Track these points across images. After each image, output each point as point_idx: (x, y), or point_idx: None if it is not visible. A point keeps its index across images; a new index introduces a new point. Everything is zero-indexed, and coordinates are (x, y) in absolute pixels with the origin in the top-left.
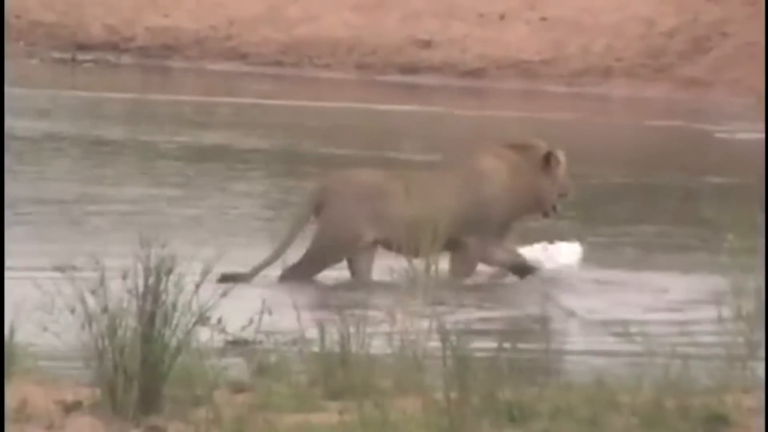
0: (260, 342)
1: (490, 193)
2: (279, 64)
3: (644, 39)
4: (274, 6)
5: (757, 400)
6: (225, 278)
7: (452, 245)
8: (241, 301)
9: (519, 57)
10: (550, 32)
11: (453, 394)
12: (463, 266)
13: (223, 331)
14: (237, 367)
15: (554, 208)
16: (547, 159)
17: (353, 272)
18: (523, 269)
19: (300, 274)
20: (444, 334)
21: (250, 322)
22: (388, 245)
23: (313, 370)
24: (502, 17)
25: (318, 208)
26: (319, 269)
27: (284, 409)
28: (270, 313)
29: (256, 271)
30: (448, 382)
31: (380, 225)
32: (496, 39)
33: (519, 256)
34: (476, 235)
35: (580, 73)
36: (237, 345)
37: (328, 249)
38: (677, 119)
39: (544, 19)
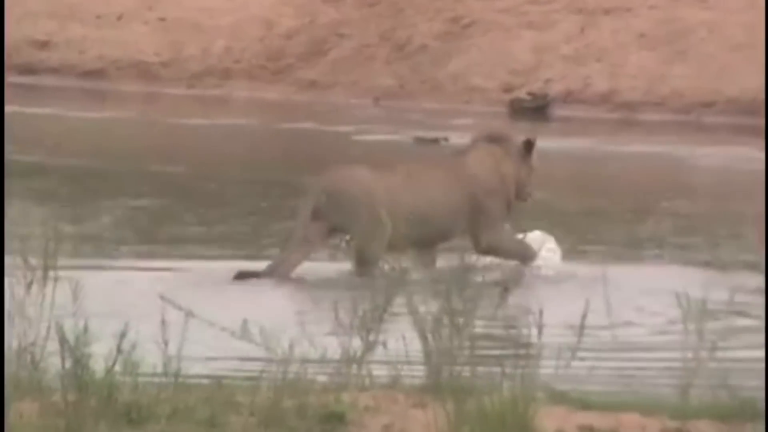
0: None
1: (482, 187)
2: None
3: (263, 41)
4: None
5: (372, 398)
6: (240, 275)
7: (452, 240)
8: None
9: (138, 58)
10: (169, 33)
11: (70, 396)
12: (478, 251)
13: None
14: None
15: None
16: (528, 146)
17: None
18: (528, 256)
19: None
20: (61, 336)
21: None
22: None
23: None
24: (119, 18)
25: (321, 208)
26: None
27: None
28: None
29: (269, 271)
30: (65, 383)
31: (390, 219)
32: (114, 40)
33: (522, 242)
34: (481, 230)
35: (199, 75)
36: None
37: (371, 251)
38: (308, 121)
39: (162, 19)
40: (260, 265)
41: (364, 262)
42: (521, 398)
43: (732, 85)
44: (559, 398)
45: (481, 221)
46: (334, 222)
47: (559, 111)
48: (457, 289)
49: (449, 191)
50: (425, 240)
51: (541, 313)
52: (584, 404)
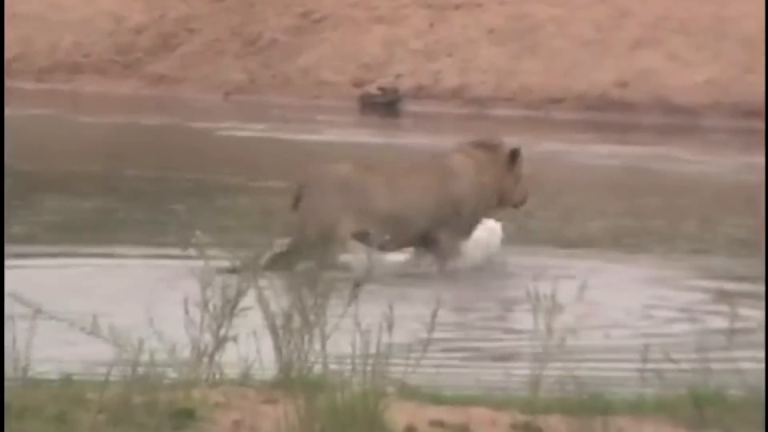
0: None
1: (460, 191)
2: None
3: (112, 35)
4: None
5: (222, 394)
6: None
7: (423, 241)
8: None
9: None
10: (18, 28)
11: None
12: (437, 261)
13: None
14: None
15: (520, 203)
16: (513, 156)
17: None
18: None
19: (282, 265)
20: None
21: None
22: (363, 238)
23: None
24: None
25: (298, 200)
26: (299, 260)
27: None
28: None
29: (243, 266)
30: None
31: (358, 217)
32: None
33: (458, 251)
34: (447, 231)
35: (48, 70)
36: None
37: (306, 241)
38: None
39: (13, 15)
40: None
41: (288, 253)
42: (372, 393)
43: (581, 80)
44: (409, 393)
45: (451, 223)
46: (300, 214)
47: (409, 106)
48: (309, 284)
49: (429, 193)
50: (401, 239)
51: (391, 309)
52: (435, 399)
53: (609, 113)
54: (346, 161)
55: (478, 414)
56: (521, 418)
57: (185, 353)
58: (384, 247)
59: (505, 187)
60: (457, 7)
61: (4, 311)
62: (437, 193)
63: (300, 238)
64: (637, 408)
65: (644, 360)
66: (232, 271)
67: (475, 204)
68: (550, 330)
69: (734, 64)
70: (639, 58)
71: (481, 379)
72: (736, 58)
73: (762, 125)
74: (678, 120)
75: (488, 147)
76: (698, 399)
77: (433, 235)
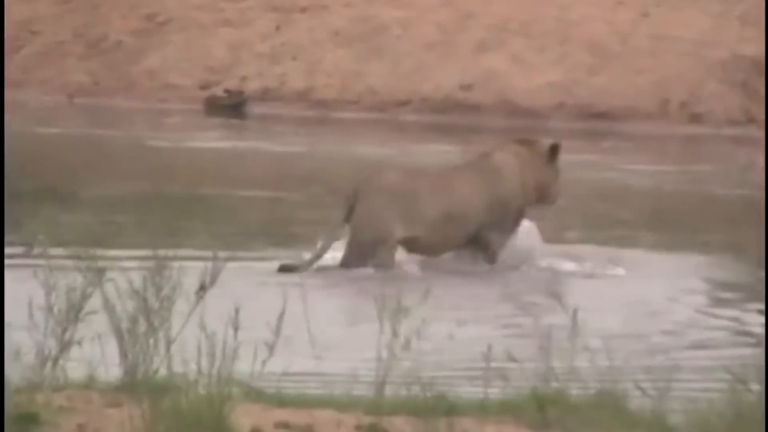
0: None
1: (507, 189)
2: None
3: None
4: None
5: (66, 398)
6: (283, 268)
7: (473, 241)
8: None
9: None
10: None
11: None
12: (487, 260)
13: None
14: None
15: (556, 199)
16: (554, 151)
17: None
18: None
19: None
20: None
21: None
22: (412, 244)
23: None
24: None
25: (352, 207)
26: (358, 266)
27: None
28: None
29: (308, 264)
30: None
31: (408, 223)
32: None
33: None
34: (497, 230)
35: None
36: None
37: (362, 248)
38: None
39: None
40: None
41: (345, 260)
42: (217, 396)
43: (426, 83)
44: (255, 396)
45: (497, 221)
46: (354, 219)
47: (255, 109)
48: (153, 288)
49: (477, 193)
50: (457, 239)
51: (237, 312)
52: (280, 401)
53: (454, 115)
54: (395, 168)
55: (324, 416)
56: (366, 419)
57: (29, 357)
58: (431, 252)
59: (545, 183)
60: (302, 10)
61: None
62: (485, 193)
63: (354, 246)
64: (481, 409)
65: (487, 360)
66: (291, 269)
67: (521, 200)
68: (395, 332)
69: (578, 67)
70: (483, 60)
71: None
72: (580, 61)
73: (606, 126)
74: (522, 122)
75: (528, 143)
76: (541, 399)
77: (482, 234)
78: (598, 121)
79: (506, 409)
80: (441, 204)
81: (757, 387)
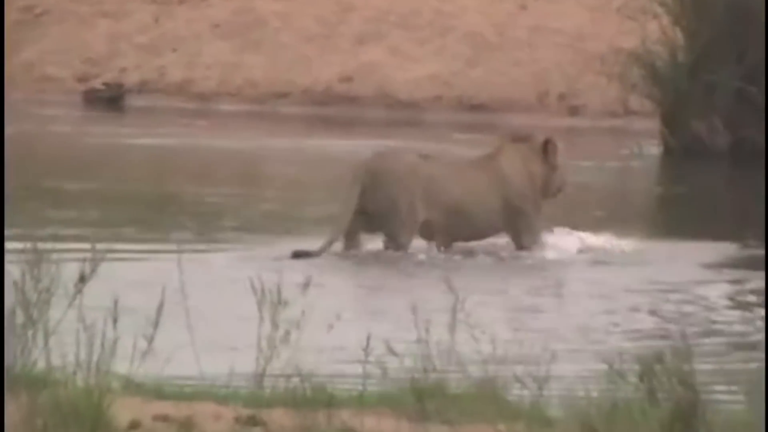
0: None
1: (517, 193)
2: None
3: None
4: None
5: None
6: (297, 254)
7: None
8: None
9: None
10: None
11: None
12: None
13: None
14: None
15: (559, 191)
16: (545, 146)
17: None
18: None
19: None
20: None
21: None
22: (426, 229)
23: None
24: None
25: (367, 188)
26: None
27: None
28: None
29: (323, 249)
30: None
31: (428, 206)
32: None
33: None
34: (522, 230)
35: None
36: None
37: (393, 231)
38: None
39: None
40: None
41: (395, 246)
42: (96, 389)
43: (305, 75)
44: (134, 389)
45: (520, 223)
46: (374, 201)
47: (134, 101)
48: (32, 281)
49: (485, 191)
50: (461, 233)
51: (116, 303)
52: (159, 394)
53: (334, 107)
54: (408, 151)
55: (203, 408)
56: (245, 411)
57: None
58: (445, 242)
59: (545, 177)
60: (181, 2)
61: None
62: (496, 197)
63: (384, 227)
64: (360, 401)
65: (366, 352)
66: (307, 255)
67: (533, 197)
68: (275, 324)
69: (457, 59)
70: (363, 52)
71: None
72: (459, 53)
73: (485, 118)
74: (402, 114)
75: (525, 139)
76: (419, 392)
77: (513, 239)
78: (477, 113)
79: (385, 401)
80: (455, 192)
81: (634, 378)
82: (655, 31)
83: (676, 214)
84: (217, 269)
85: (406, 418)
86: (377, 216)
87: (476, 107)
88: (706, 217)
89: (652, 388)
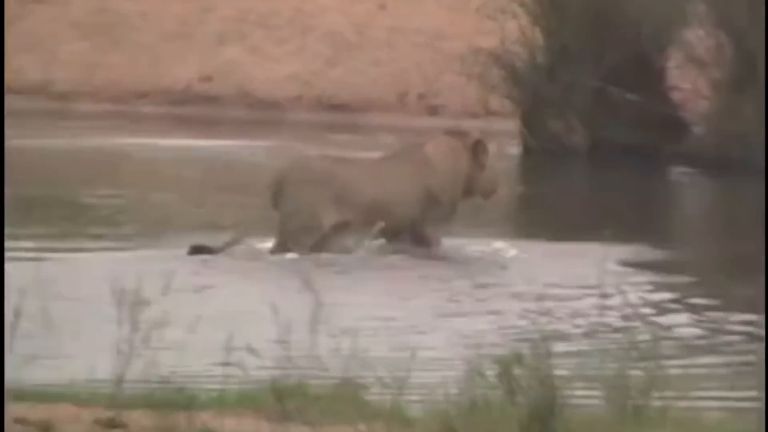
0: None
1: (439, 180)
2: None
3: None
4: None
5: None
6: (195, 250)
7: (407, 230)
8: None
9: None
10: None
11: None
12: (423, 250)
13: None
14: None
15: (488, 193)
16: (476, 146)
17: None
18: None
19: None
20: None
21: None
22: (345, 229)
23: None
24: None
25: (277, 194)
26: (284, 251)
27: None
28: None
29: (224, 247)
30: None
31: (339, 208)
32: None
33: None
34: (431, 221)
35: None
36: None
37: (293, 235)
38: None
39: None
40: None
41: (296, 248)
42: None
43: (166, 75)
44: None
45: (431, 214)
46: (280, 206)
47: None
48: None
49: (409, 183)
50: (387, 229)
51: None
52: (18, 396)
53: (194, 107)
54: (322, 156)
55: (62, 410)
56: (105, 413)
57: None
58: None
59: (473, 177)
60: (40, 0)
61: None
62: (418, 184)
63: (285, 233)
64: (221, 402)
65: (227, 352)
66: (207, 251)
67: (452, 191)
68: (134, 325)
69: (317, 59)
70: (223, 52)
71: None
72: (319, 53)
73: (345, 118)
74: (262, 114)
75: (459, 136)
76: (280, 392)
77: (418, 229)
78: (338, 112)
79: (245, 401)
80: (371, 191)
81: (492, 375)
82: (515, 32)
83: (539, 215)
84: (83, 270)
85: (267, 419)
86: (280, 219)
87: (336, 107)
88: (567, 217)
89: (511, 388)
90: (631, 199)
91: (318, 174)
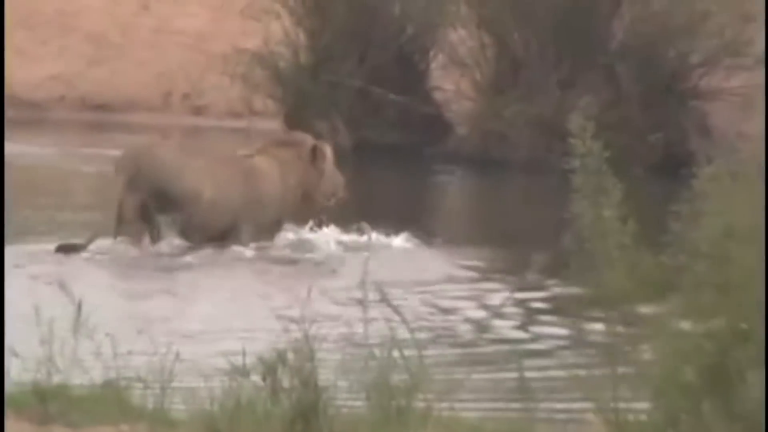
0: None
1: (265, 192)
2: None
3: None
4: None
5: None
6: (61, 248)
7: (227, 231)
8: None
9: None
10: None
11: None
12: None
13: None
14: None
15: (330, 197)
16: (314, 152)
17: None
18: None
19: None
20: None
21: None
22: (183, 224)
23: None
24: None
25: (135, 180)
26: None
27: None
28: None
29: (89, 241)
30: None
31: (160, 198)
32: None
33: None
34: (250, 226)
35: None
36: None
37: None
38: None
39: None
40: None
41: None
42: None
43: None
44: None
45: (251, 219)
46: (151, 190)
47: None
48: None
49: (234, 189)
50: (212, 229)
51: None
52: None
53: None
54: (174, 141)
55: None
56: None
57: None
58: (188, 236)
59: (310, 184)
60: None
61: None
62: (243, 194)
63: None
64: None
65: None
66: (73, 249)
67: (279, 205)
68: None
69: (79, 59)
70: None
71: None
72: (81, 53)
73: (108, 118)
74: (24, 114)
75: (291, 144)
76: (42, 394)
77: (237, 226)
78: (102, 113)
79: (8, 403)
80: (209, 189)
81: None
82: (278, 32)
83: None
84: None
85: (28, 421)
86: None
87: (100, 107)
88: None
89: (275, 388)
90: (393, 197)
91: (177, 158)
